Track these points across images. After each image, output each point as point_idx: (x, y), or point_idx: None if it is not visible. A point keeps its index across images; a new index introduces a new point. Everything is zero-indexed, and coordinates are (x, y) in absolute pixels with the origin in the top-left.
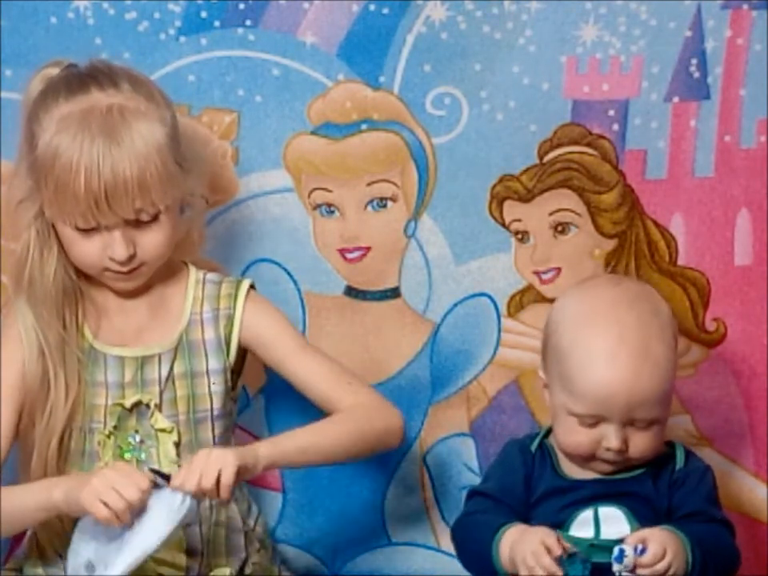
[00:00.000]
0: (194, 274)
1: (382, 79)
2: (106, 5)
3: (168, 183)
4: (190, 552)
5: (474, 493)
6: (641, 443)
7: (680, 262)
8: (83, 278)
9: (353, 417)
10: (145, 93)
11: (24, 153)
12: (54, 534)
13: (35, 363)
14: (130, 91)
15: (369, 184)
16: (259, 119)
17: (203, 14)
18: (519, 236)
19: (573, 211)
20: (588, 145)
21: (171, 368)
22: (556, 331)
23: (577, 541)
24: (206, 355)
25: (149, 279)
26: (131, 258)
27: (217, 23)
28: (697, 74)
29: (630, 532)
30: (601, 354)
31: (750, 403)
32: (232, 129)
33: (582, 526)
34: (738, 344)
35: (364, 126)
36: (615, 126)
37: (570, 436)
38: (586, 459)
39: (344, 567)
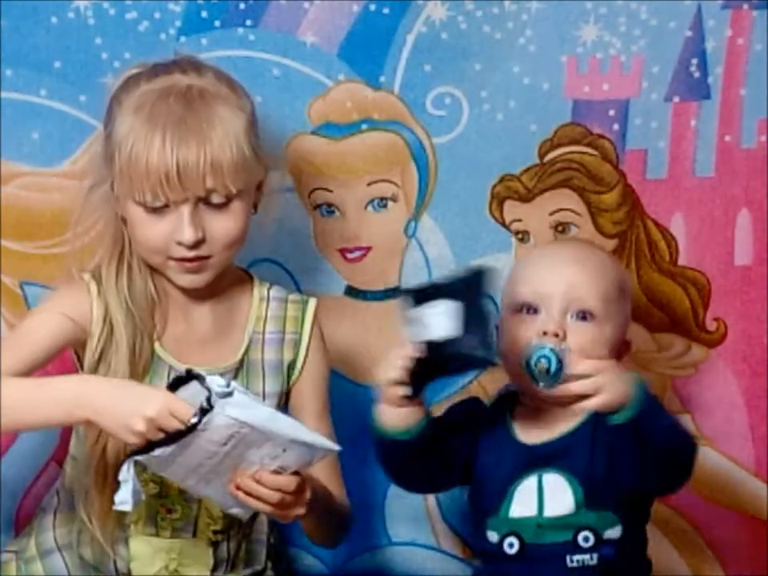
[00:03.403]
0: (257, 288)
1: (382, 79)
2: (106, 5)
3: (242, 167)
4: (215, 567)
5: None
6: (578, 337)
7: (680, 262)
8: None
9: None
10: (227, 82)
11: (102, 142)
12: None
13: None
14: (213, 78)
15: (369, 184)
16: (259, 119)
17: (203, 14)
18: (519, 236)
19: (573, 211)
20: (588, 145)
21: None
22: (508, 273)
23: (524, 521)
24: (264, 377)
25: (216, 287)
26: (199, 243)
27: (217, 23)
28: (697, 74)
29: (574, 500)
30: (546, 254)
31: (750, 403)
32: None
33: (526, 497)
34: (738, 344)
35: (364, 126)
36: (615, 126)
37: (513, 335)
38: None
39: (344, 567)
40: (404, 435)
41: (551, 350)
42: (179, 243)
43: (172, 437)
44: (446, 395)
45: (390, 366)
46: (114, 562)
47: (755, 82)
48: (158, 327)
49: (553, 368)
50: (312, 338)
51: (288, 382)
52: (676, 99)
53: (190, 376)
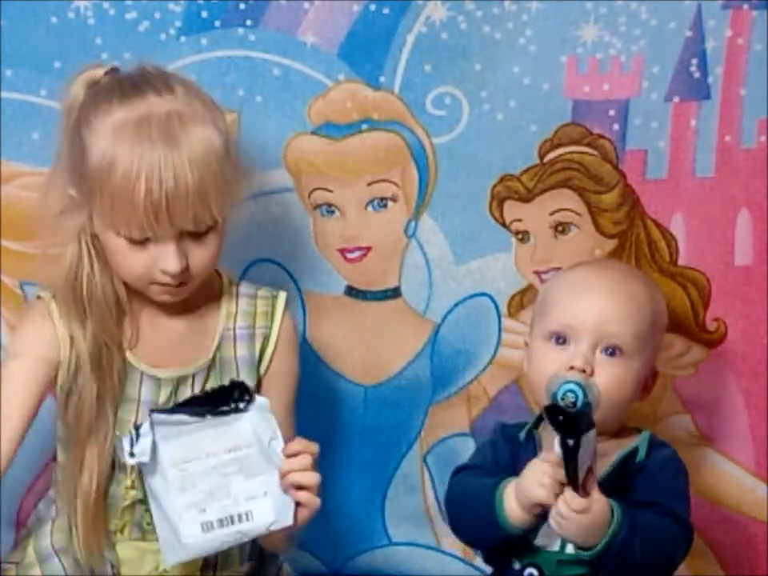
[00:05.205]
0: (226, 285)
1: (382, 79)
2: (106, 5)
3: (226, 191)
4: (204, 566)
5: (460, 468)
6: (606, 373)
7: (680, 262)
8: (125, 291)
9: None
10: (200, 99)
11: (68, 160)
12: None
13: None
14: (185, 96)
15: (369, 184)
16: (259, 119)
17: (203, 14)
18: (520, 236)
19: (573, 211)
20: (588, 145)
21: (203, 387)
22: (541, 291)
23: (545, 554)
24: (238, 373)
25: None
26: (183, 271)
27: (217, 23)
28: (697, 74)
29: None
30: (580, 281)
31: (750, 403)
32: (232, 129)
33: (552, 531)
34: (738, 344)
35: (364, 126)
36: (615, 126)
37: (540, 364)
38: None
39: (344, 567)
40: (518, 531)
41: (577, 384)
42: (164, 272)
43: (203, 407)
44: (446, 395)
45: (541, 487)
46: (111, 564)
47: (755, 82)
48: (129, 336)
49: (579, 402)
50: (282, 330)
51: (258, 375)
52: (676, 99)
53: (234, 385)
